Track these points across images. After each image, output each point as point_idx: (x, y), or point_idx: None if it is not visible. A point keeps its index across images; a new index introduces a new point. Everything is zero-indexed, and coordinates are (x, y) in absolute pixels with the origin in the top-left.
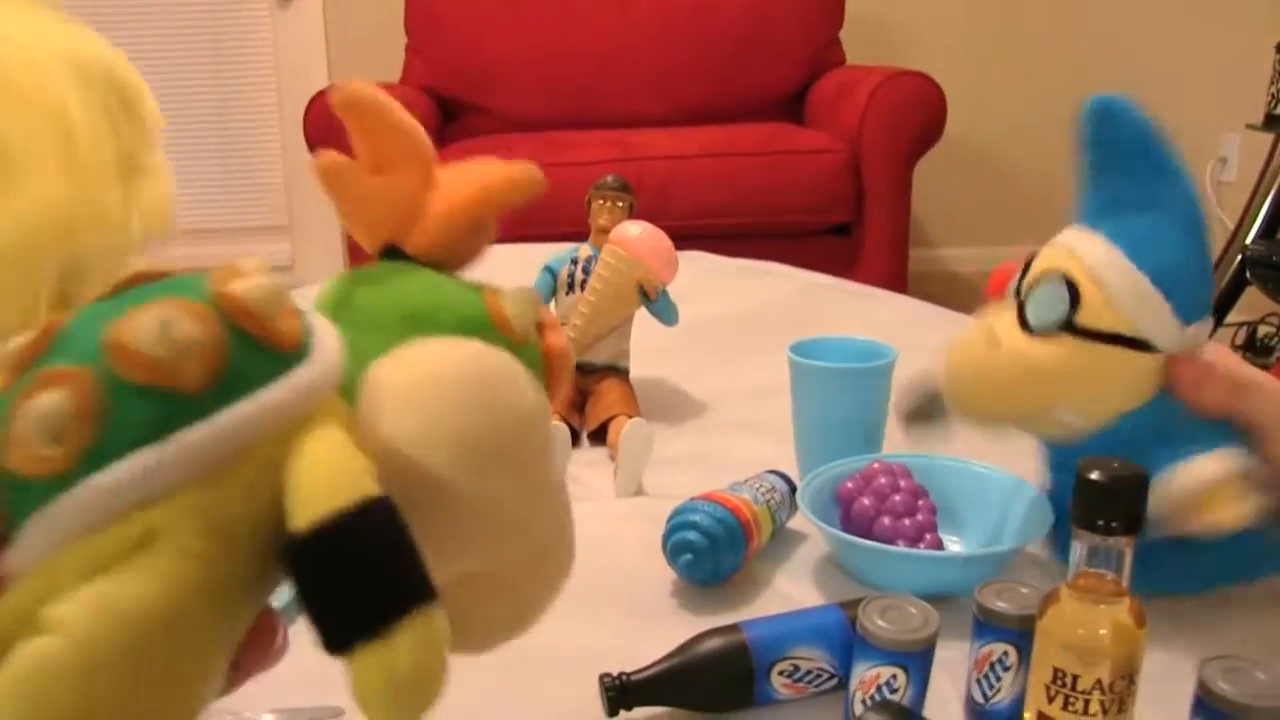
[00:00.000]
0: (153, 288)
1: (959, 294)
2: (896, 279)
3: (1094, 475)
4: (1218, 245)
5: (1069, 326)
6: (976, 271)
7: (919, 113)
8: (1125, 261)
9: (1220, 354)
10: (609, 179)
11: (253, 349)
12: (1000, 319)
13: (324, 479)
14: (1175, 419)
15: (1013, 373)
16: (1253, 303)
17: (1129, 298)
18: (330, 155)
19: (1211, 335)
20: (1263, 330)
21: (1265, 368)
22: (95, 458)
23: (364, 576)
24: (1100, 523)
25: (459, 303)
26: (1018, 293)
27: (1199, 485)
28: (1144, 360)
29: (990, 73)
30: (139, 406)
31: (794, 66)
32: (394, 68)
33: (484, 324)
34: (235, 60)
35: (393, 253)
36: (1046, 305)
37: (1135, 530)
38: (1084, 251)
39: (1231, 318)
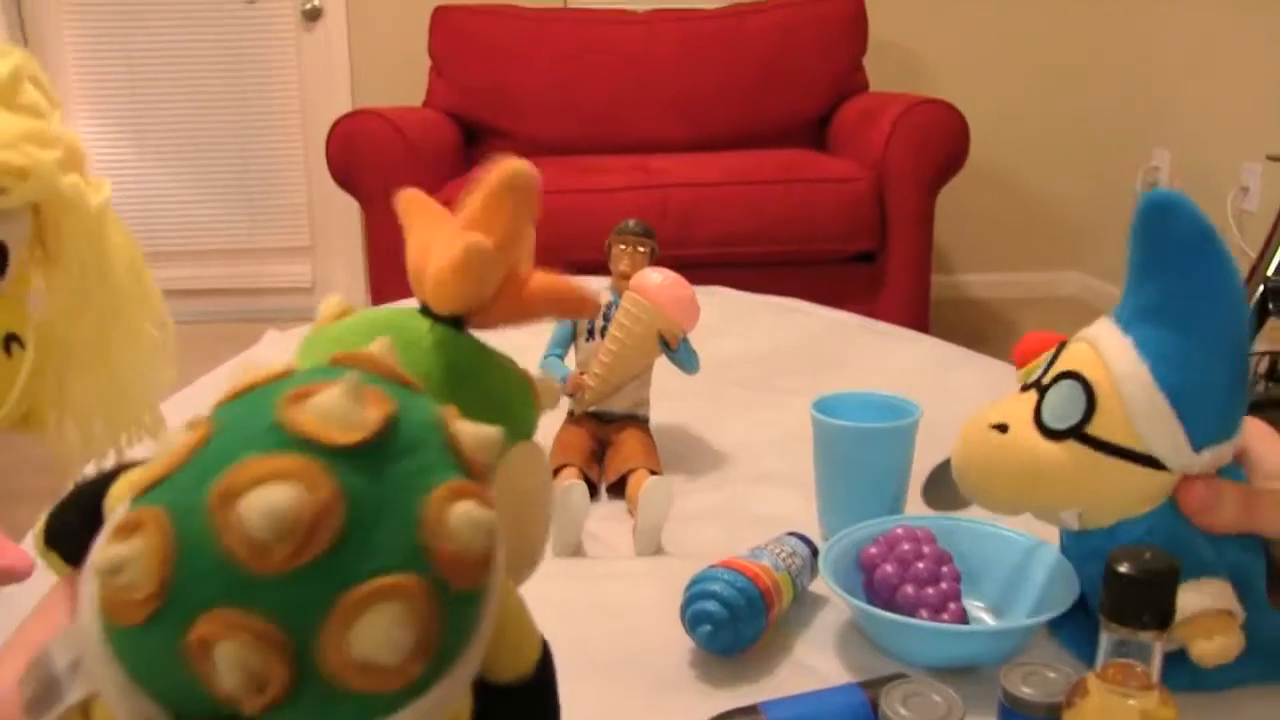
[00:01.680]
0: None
1: (981, 320)
2: (920, 306)
3: (1124, 568)
4: (1240, 274)
5: (1080, 433)
6: (999, 298)
7: (943, 140)
8: (1148, 376)
9: (1255, 433)
10: (631, 223)
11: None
12: (1016, 407)
13: (525, 636)
14: (1180, 534)
15: (1017, 468)
16: (1276, 333)
17: (1144, 415)
18: (487, 247)
19: None
20: None
21: None
22: (437, 669)
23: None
24: (1131, 617)
25: (524, 409)
26: (1039, 383)
27: (1183, 614)
28: (1151, 476)
29: (1013, 100)
30: (465, 612)
31: (817, 93)
32: (418, 90)
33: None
34: (259, 82)
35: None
36: (1062, 407)
37: (1166, 624)
38: (1111, 360)
39: (1255, 348)
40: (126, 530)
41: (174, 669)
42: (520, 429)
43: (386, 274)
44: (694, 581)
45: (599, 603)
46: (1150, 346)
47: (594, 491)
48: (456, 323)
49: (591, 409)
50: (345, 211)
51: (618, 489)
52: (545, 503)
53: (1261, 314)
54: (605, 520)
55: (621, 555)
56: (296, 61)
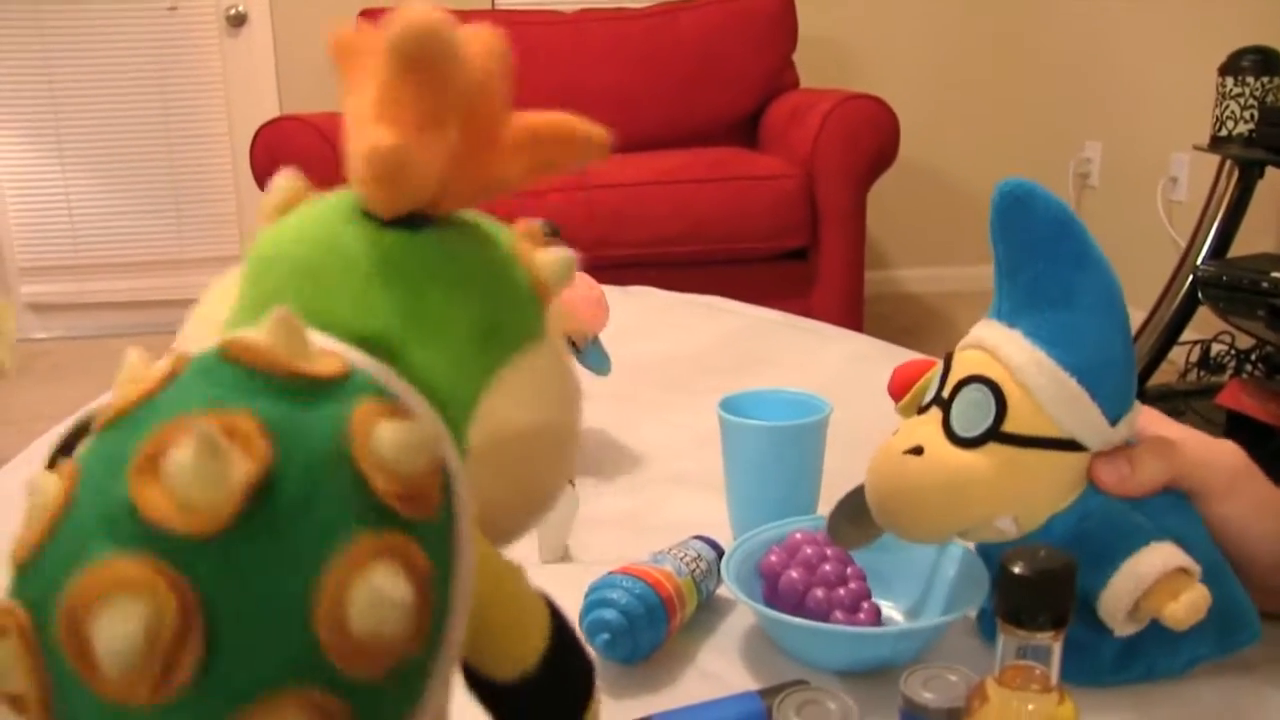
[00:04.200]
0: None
1: (915, 314)
2: (853, 302)
3: (1017, 569)
4: (1169, 264)
5: (997, 434)
6: (933, 292)
7: (873, 135)
8: (1049, 361)
9: (1147, 416)
10: (537, 223)
11: (431, 541)
12: (923, 427)
13: (523, 630)
14: (1112, 511)
15: (943, 487)
16: (1205, 321)
17: (1056, 400)
18: (397, 148)
19: (1166, 354)
20: (1216, 348)
21: (1219, 386)
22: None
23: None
24: (1026, 619)
25: (518, 308)
26: (940, 398)
27: (1143, 584)
28: (1074, 460)
29: (943, 94)
30: (389, 695)
31: (748, 90)
32: None
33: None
34: (184, 90)
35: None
36: (972, 413)
37: (1063, 625)
38: (1006, 355)
39: (1185, 336)
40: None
41: None
42: (523, 331)
43: None
44: (592, 589)
45: None
46: (1041, 333)
47: None
48: (411, 222)
49: None
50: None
51: None
52: (559, 433)
53: (1191, 303)
54: None
55: (527, 561)
56: (221, 68)
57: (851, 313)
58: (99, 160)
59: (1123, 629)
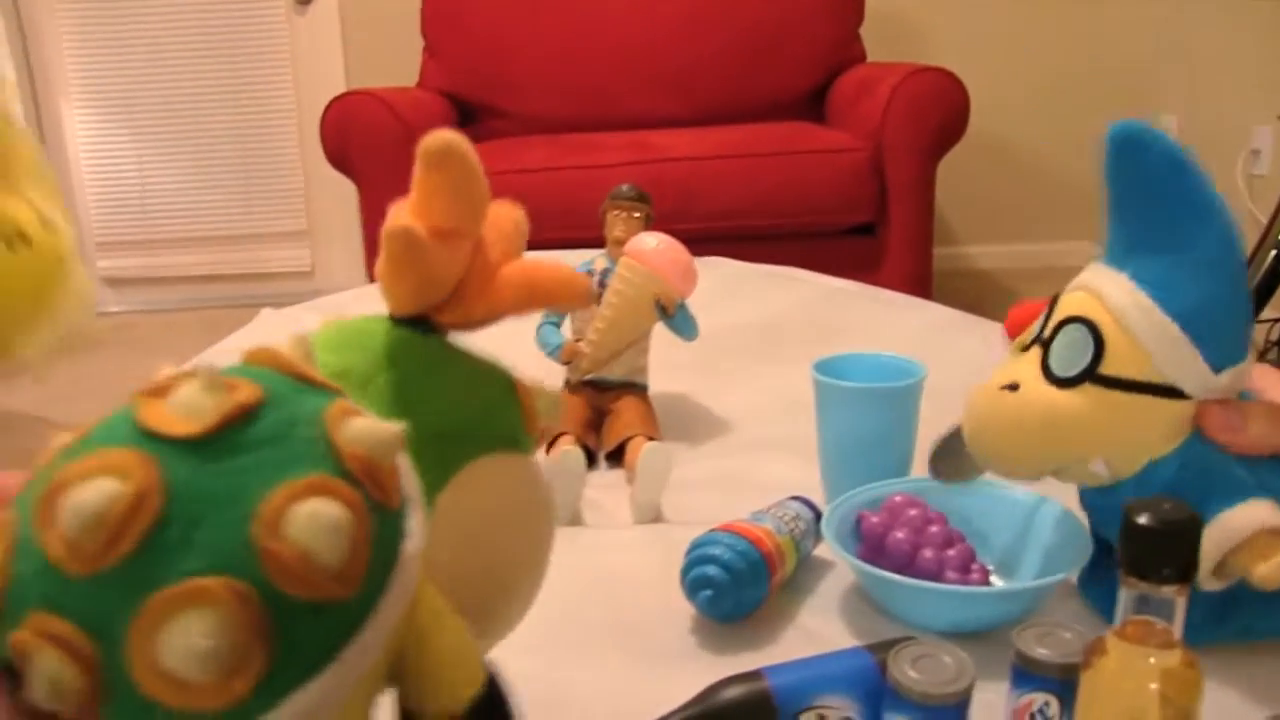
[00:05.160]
0: (263, 433)
1: (985, 291)
2: (921, 278)
3: (1143, 519)
4: (1250, 240)
5: (1093, 375)
6: (1002, 268)
7: (941, 109)
8: (1152, 306)
9: (1267, 379)
10: (625, 188)
11: (380, 518)
12: (1022, 365)
13: (459, 671)
14: (1213, 462)
15: (1036, 423)
16: None
17: (1157, 344)
18: (408, 228)
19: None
20: None
21: None
22: (271, 689)
23: None
24: (1151, 571)
25: (499, 420)
26: (1040, 338)
27: (1234, 539)
28: (1173, 407)
29: (1013, 66)
30: (309, 627)
31: (814, 64)
32: (411, 71)
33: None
34: (253, 67)
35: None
36: (1070, 354)
37: (1189, 578)
38: (1109, 296)
39: (1266, 313)
40: None
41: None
42: (498, 438)
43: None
44: (694, 546)
45: (598, 572)
46: (1148, 277)
47: (592, 460)
48: (424, 325)
49: (588, 377)
50: (342, 195)
51: (616, 457)
52: (526, 523)
53: (1273, 279)
54: (604, 489)
55: (620, 524)
56: (290, 45)
57: (920, 289)
58: (171, 137)
59: (1207, 583)
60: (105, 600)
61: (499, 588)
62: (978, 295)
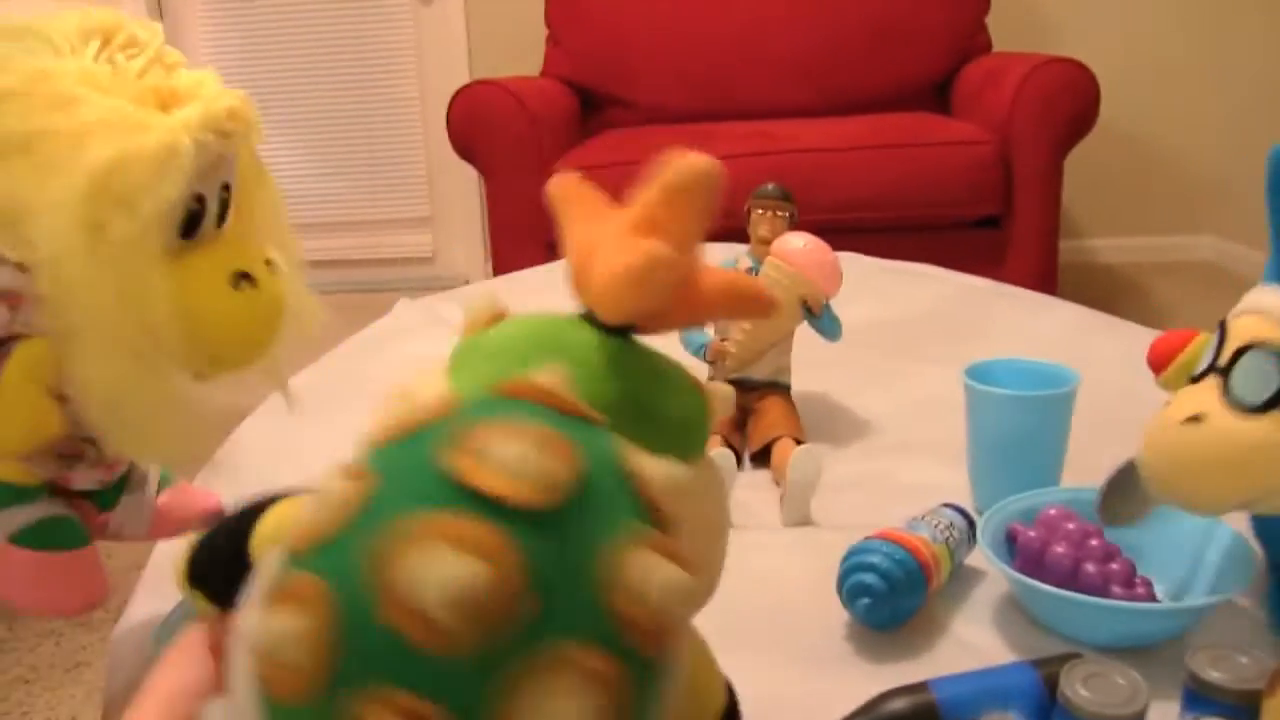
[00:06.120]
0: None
1: (1110, 285)
2: (1046, 272)
3: None
4: None
5: None
6: (1130, 262)
7: (1072, 101)
8: None
9: None
10: (770, 187)
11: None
12: (1201, 396)
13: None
14: None
15: (1232, 456)
16: None
17: None
18: (671, 255)
19: None
20: None
21: None
22: None
23: None
24: None
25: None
26: (1215, 366)
27: None
28: None
29: (1145, 55)
30: (656, 688)
31: (939, 54)
32: (534, 60)
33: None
34: (379, 57)
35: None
36: (1256, 379)
37: None
38: None
39: None
40: (286, 602)
41: None
42: (699, 447)
43: (506, 243)
44: (851, 553)
45: (749, 574)
46: None
47: (738, 460)
48: (625, 331)
49: (732, 376)
50: (463, 182)
51: (761, 458)
52: (727, 525)
53: None
54: (750, 489)
55: (769, 525)
56: (415, 36)
57: (1046, 283)
58: (298, 126)
59: None
60: (468, 679)
61: (707, 593)
62: (1104, 289)
